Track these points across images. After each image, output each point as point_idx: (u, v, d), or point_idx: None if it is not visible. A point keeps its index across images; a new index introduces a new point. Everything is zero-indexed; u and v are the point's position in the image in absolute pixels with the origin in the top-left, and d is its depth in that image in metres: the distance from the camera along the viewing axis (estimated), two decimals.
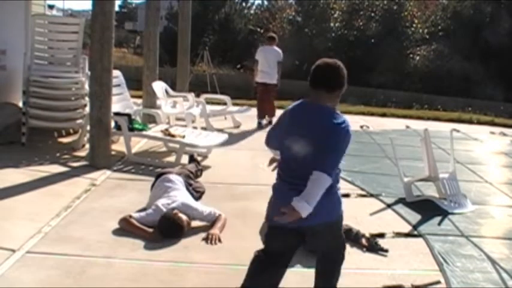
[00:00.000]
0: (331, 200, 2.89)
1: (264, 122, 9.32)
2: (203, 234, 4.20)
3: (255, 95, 9.88)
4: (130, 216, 4.24)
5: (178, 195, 4.52)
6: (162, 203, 4.35)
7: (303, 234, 2.92)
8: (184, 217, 4.22)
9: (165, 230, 4.13)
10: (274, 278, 2.99)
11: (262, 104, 9.38)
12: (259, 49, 9.61)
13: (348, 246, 4.11)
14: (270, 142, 3.07)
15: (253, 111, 9.47)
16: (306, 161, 2.73)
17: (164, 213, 4.22)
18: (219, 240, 4.13)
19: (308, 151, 2.75)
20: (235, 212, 4.75)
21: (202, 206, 4.50)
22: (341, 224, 3.12)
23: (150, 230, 4.14)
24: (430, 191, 5.65)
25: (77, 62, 7.18)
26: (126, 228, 4.18)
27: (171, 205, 4.32)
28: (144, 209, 4.47)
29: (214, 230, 4.24)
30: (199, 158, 6.26)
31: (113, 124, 6.37)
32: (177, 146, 6.50)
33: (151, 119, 7.80)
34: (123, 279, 3.44)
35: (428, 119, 12.58)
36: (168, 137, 6.61)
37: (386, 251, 4.09)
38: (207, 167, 6.27)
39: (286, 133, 2.89)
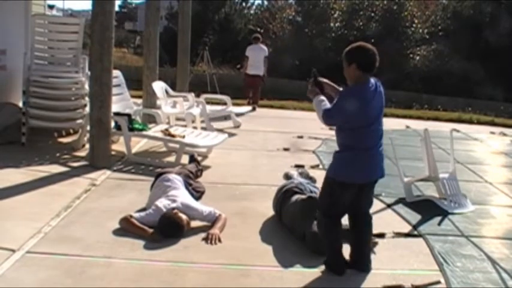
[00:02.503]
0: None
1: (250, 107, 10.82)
2: (203, 234, 4.20)
3: (244, 84, 11.91)
4: (131, 216, 4.24)
5: (178, 194, 4.52)
6: (162, 203, 4.35)
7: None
8: (184, 217, 4.22)
9: (165, 229, 4.13)
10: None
11: (249, 91, 11.57)
12: (248, 47, 11.60)
13: (348, 246, 4.13)
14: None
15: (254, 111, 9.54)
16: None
17: (164, 213, 4.22)
18: (219, 240, 4.13)
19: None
20: (235, 212, 4.75)
21: (202, 206, 4.50)
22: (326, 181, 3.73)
23: (151, 230, 4.14)
24: (430, 191, 5.65)
25: (77, 62, 7.18)
26: (126, 228, 4.18)
27: (171, 205, 4.32)
28: (144, 209, 4.47)
29: (214, 230, 4.24)
30: (199, 158, 6.26)
31: (113, 124, 6.37)
32: (177, 146, 6.50)
33: (151, 119, 7.80)
34: (123, 279, 3.44)
35: (428, 119, 12.58)
36: (168, 137, 6.61)
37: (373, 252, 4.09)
38: (207, 167, 6.27)
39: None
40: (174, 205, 4.32)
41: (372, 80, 3.53)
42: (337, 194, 3.61)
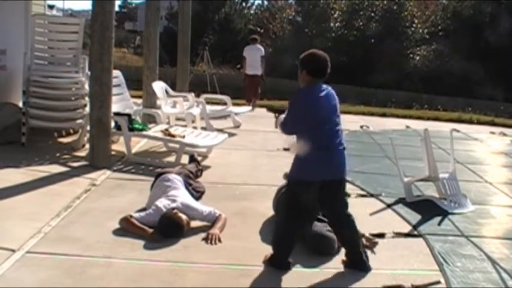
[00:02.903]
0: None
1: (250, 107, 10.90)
2: (203, 234, 4.20)
3: (244, 83, 12.22)
4: (131, 216, 4.24)
5: (178, 195, 4.51)
6: (162, 203, 4.35)
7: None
8: (184, 217, 4.22)
9: (165, 229, 4.13)
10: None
11: (250, 90, 11.82)
12: (245, 48, 11.93)
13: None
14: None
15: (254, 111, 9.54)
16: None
17: (164, 212, 4.22)
18: (219, 240, 4.13)
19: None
20: (235, 212, 4.75)
21: (202, 206, 4.50)
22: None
23: (151, 230, 4.14)
24: (430, 191, 5.65)
25: (77, 62, 7.18)
26: (126, 228, 4.18)
27: (170, 205, 4.32)
28: (144, 209, 4.47)
29: (214, 230, 4.24)
30: (199, 158, 6.26)
31: (113, 124, 6.37)
32: (177, 146, 6.50)
33: (151, 119, 7.80)
34: (123, 279, 3.44)
35: (428, 119, 12.58)
36: (168, 137, 6.61)
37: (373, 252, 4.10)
38: (207, 167, 6.27)
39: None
40: (174, 205, 4.32)
41: (324, 86, 3.68)
42: (297, 194, 3.62)
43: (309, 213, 3.77)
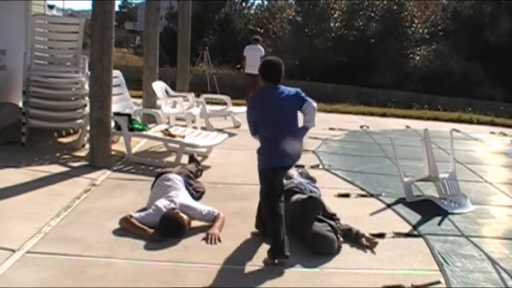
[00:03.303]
0: None
1: None
2: (203, 234, 4.21)
3: (245, 83, 12.64)
4: (131, 216, 4.24)
5: (178, 195, 4.52)
6: (162, 203, 4.35)
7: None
8: (185, 216, 4.23)
9: (166, 229, 4.13)
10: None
11: (250, 90, 11.38)
12: (246, 48, 12.29)
13: (347, 246, 4.14)
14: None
15: None
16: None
17: (165, 212, 4.22)
18: (219, 240, 4.14)
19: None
20: (235, 212, 4.76)
21: (201, 206, 4.51)
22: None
23: (151, 230, 4.14)
24: (430, 191, 5.65)
25: (77, 62, 7.18)
26: (126, 228, 4.18)
27: (171, 205, 4.32)
28: (144, 209, 4.47)
29: (214, 230, 4.24)
30: (199, 158, 6.26)
31: (113, 124, 6.37)
32: (177, 146, 6.50)
33: (151, 119, 7.80)
34: (123, 279, 3.44)
35: (428, 119, 12.59)
36: (168, 137, 6.61)
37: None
38: (207, 167, 6.27)
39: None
40: (174, 205, 4.32)
41: (282, 88, 4.08)
42: (267, 179, 4.11)
43: (280, 193, 4.12)
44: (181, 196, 4.52)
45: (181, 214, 4.23)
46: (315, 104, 4.11)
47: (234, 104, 9.94)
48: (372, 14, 25.67)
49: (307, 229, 4.08)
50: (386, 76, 21.75)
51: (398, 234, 4.48)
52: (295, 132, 4.08)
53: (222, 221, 4.38)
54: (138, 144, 7.23)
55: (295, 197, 4.48)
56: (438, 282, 3.65)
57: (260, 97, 4.19)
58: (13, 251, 3.70)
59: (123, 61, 26.13)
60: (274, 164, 4.11)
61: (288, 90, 4.10)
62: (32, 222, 4.21)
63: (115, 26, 6.32)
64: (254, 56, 11.91)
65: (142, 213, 4.32)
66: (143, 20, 9.73)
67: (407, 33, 25.41)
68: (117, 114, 6.56)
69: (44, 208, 4.58)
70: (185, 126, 7.66)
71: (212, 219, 4.38)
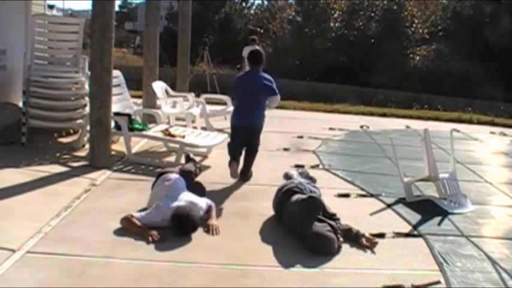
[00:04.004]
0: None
1: None
2: (202, 233, 4.22)
3: None
4: (132, 216, 4.24)
5: (182, 193, 4.53)
6: (164, 203, 4.35)
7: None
8: (195, 213, 4.32)
9: (180, 227, 4.19)
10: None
11: None
12: (244, 48, 12.53)
13: (347, 246, 4.15)
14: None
15: None
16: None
17: (176, 211, 4.24)
18: (219, 231, 4.30)
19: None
20: (235, 212, 4.76)
21: (200, 200, 4.57)
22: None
23: (152, 230, 4.13)
24: (430, 191, 5.65)
25: (77, 62, 7.18)
26: (127, 227, 4.19)
27: (177, 204, 4.33)
28: (144, 209, 4.47)
29: (213, 221, 4.39)
30: (199, 158, 6.25)
31: (113, 124, 6.37)
32: (177, 146, 6.50)
33: (151, 119, 7.80)
34: (123, 279, 3.44)
35: (428, 119, 12.59)
36: (168, 137, 6.61)
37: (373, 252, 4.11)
38: (207, 167, 6.27)
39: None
40: (181, 203, 4.34)
41: (261, 73, 5.93)
42: (231, 131, 5.98)
43: (238, 141, 5.90)
44: (185, 194, 4.54)
45: (193, 212, 4.30)
46: (279, 98, 6.00)
47: None
48: (372, 14, 25.70)
49: (307, 229, 4.08)
50: (386, 76, 21.78)
51: (398, 234, 4.48)
52: (254, 107, 5.85)
53: (215, 210, 4.56)
54: (138, 144, 7.24)
55: (295, 197, 4.48)
56: (438, 282, 3.65)
57: (243, 78, 6.14)
58: (13, 251, 3.70)
59: (123, 61, 26.17)
60: (236, 122, 5.92)
61: (267, 80, 5.87)
62: (32, 222, 4.22)
63: (115, 26, 6.32)
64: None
65: (143, 213, 4.32)
66: (143, 20, 9.73)
67: (407, 33, 25.44)
68: (117, 114, 6.56)
69: (44, 208, 4.58)
70: (185, 126, 7.66)
71: (207, 209, 4.54)
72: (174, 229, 4.18)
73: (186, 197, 4.49)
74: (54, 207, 4.62)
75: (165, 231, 4.16)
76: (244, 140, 5.88)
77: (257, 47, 12.34)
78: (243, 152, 5.96)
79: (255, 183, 5.78)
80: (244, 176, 5.89)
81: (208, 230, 4.29)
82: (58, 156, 6.37)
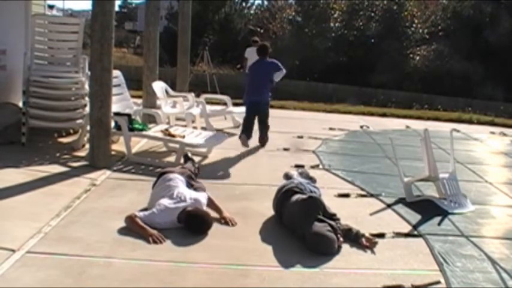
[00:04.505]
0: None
1: None
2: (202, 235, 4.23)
3: (245, 82, 14.19)
4: (135, 216, 4.24)
5: (185, 193, 4.53)
6: (168, 203, 4.35)
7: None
8: (206, 211, 4.41)
9: (194, 226, 4.24)
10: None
11: None
12: (247, 50, 12.69)
13: (347, 246, 4.15)
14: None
15: None
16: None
17: (191, 212, 4.27)
18: (235, 221, 4.51)
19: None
20: (235, 212, 4.76)
21: (200, 195, 4.60)
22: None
23: (153, 230, 4.13)
24: (430, 191, 5.65)
25: (77, 62, 7.18)
26: (130, 226, 4.19)
27: (181, 204, 4.34)
28: (145, 209, 4.47)
29: (225, 214, 4.58)
30: (199, 158, 6.25)
31: (113, 124, 6.37)
32: (177, 146, 6.50)
33: (151, 119, 7.80)
34: (123, 279, 3.44)
35: (428, 119, 12.59)
36: (168, 137, 6.61)
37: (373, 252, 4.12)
38: (207, 167, 6.27)
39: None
40: (187, 203, 4.37)
41: (268, 60, 7.78)
42: (247, 108, 7.71)
43: (252, 116, 7.60)
44: (188, 193, 4.55)
45: (203, 209, 4.38)
46: (284, 71, 7.70)
47: (234, 104, 9.93)
48: (372, 14, 25.68)
49: (307, 229, 4.08)
50: (386, 76, 21.76)
51: (398, 234, 4.48)
52: (263, 87, 7.57)
53: (215, 202, 4.70)
54: (138, 144, 7.24)
55: (295, 197, 4.48)
56: (438, 282, 3.65)
57: (255, 65, 7.90)
58: (13, 251, 3.70)
59: (123, 61, 26.13)
60: (248, 100, 7.69)
61: (271, 62, 7.75)
62: (32, 222, 4.22)
63: (115, 26, 6.32)
64: (254, 58, 12.03)
65: (146, 213, 4.31)
66: (143, 20, 9.73)
67: (407, 33, 25.42)
68: (117, 114, 6.56)
69: (44, 208, 4.58)
70: (185, 126, 7.66)
71: (208, 202, 4.61)
72: (189, 229, 4.22)
73: (190, 196, 4.50)
74: (54, 207, 4.62)
75: (165, 231, 4.16)
76: (256, 113, 7.56)
77: None
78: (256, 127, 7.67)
79: (255, 183, 5.78)
80: (262, 140, 7.63)
81: (226, 222, 4.48)
82: (58, 156, 6.37)
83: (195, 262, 3.75)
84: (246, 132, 7.41)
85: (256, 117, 7.55)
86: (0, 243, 3.79)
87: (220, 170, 6.27)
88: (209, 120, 8.42)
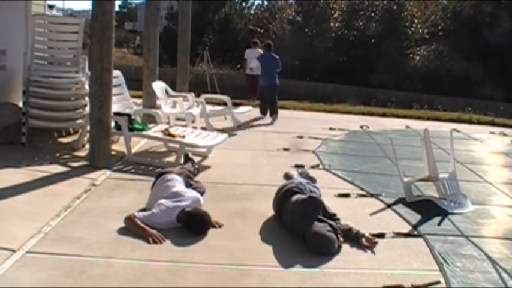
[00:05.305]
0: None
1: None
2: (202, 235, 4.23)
3: (246, 82, 14.48)
4: (135, 216, 4.24)
5: (184, 193, 4.53)
6: (168, 203, 4.35)
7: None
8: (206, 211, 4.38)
9: (195, 227, 4.24)
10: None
11: (251, 89, 13.52)
12: (246, 51, 13.83)
13: (347, 246, 4.15)
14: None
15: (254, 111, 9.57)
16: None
17: (192, 212, 4.28)
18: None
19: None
20: (235, 212, 4.76)
21: (192, 193, 4.60)
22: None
23: (152, 230, 4.13)
24: (430, 191, 5.65)
25: (77, 62, 7.18)
26: (129, 226, 4.19)
27: (182, 203, 4.34)
28: (144, 209, 4.47)
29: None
30: (199, 158, 6.25)
31: (113, 124, 6.37)
32: (177, 146, 6.50)
33: (151, 119, 7.80)
34: (123, 279, 3.44)
35: (428, 119, 12.59)
36: (168, 137, 6.61)
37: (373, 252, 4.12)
38: (207, 167, 6.27)
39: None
40: (187, 203, 4.37)
41: (273, 54, 10.43)
42: (261, 92, 10.45)
43: (267, 99, 10.26)
44: (187, 193, 4.55)
45: (203, 209, 4.37)
46: (279, 70, 10.23)
47: (234, 104, 9.94)
48: (372, 14, 25.68)
49: (307, 229, 4.08)
50: (386, 76, 21.75)
51: (398, 234, 4.48)
52: (272, 73, 10.18)
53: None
54: (138, 144, 7.24)
55: (295, 197, 4.48)
56: (438, 282, 3.65)
57: (263, 56, 10.52)
58: (13, 251, 3.70)
59: (123, 61, 26.14)
60: (263, 84, 10.23)
61: (275, 58, 10.35)
62: (32, 222, 4.21)
63: (115, 26, 6.32)
64: (254, 60, 12.33)
65: (146, 213, 4.31)
66: (143, 20, 9.74)
67: (407, 33, 25.42)
68: (117, 114, 6.56)
69: (44, 208, 4.58)
70: (185, 126, 7.66)
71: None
72: (189, 229, 4.22)
73: (189, 196, 4.50)
74: (54, 207, 4.62)
75: (165, 231, 4.16)
76: (269, 95, 10.19)
77: (259, 50, 12.97)
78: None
79: (255, 183, 5.78)
80: (274, 114, 10.16)
81: (213, 225, 4.40)
82: (58, 156, 6.37)
83: (195, 262, 3.75)
84: (264, 113, 10.32)
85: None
86: (0, 243, 3.79)
87: (220, 170, 6.27)
88: (209, 120, 8.42)
